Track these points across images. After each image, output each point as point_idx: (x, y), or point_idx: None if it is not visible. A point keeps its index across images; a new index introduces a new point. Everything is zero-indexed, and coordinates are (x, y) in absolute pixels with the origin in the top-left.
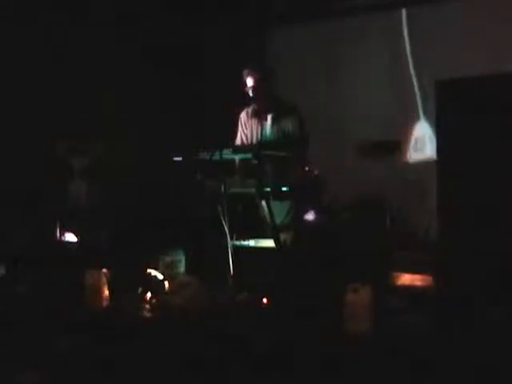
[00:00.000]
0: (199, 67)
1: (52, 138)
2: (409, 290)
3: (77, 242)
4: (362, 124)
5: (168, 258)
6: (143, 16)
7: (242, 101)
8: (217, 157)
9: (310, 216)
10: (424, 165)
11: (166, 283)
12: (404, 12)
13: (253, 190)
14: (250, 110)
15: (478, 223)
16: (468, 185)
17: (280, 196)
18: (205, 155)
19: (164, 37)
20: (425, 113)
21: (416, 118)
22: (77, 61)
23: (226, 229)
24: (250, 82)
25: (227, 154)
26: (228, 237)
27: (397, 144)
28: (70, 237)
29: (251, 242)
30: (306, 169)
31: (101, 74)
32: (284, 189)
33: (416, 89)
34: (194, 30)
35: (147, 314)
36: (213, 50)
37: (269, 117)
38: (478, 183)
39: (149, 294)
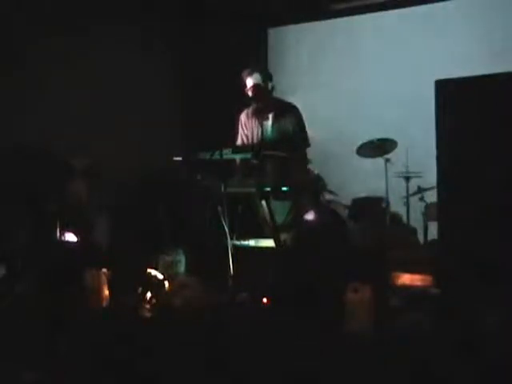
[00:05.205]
0: (198, 66)
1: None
2: (409, 290)
3: (77, 242)
4: None
5: (168, 258)
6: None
7: (242, 101)
8: (217, 157)
9: (309, 216)
10: None
11: (166, 283)
12: None
13: (253, 190)
14: (249, 110)
15: (479, 223)
16: (468, 185)
17: (280, 196)
18: (205, 155)
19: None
20: None
21: None
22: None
23: (226, 229)
24: (249, 82)
25: (227, 153)
26: (228, 237)
27: None
28: (70, 237)
29: (251, 242)
30: (306, 169)
31: (101, 73)
32: (284, 189)
33: None
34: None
35: (147, 314)
36: (213, 50)
37: (268, 117)
38: (479, 183)
39: (149, 294)
